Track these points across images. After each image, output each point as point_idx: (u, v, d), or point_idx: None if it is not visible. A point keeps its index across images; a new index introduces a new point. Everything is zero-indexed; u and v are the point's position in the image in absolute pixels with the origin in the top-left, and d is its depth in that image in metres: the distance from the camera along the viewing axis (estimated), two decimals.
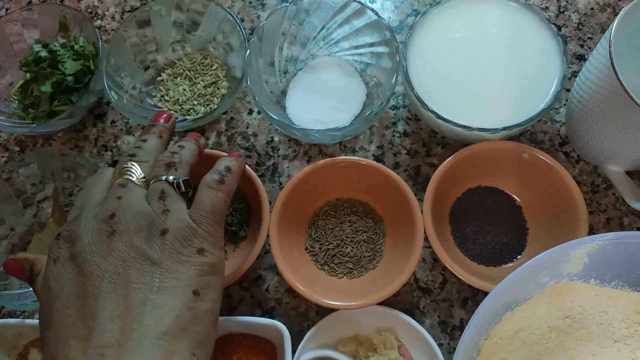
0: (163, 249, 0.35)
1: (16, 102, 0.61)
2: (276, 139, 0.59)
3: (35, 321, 0.52)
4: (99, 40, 0.58)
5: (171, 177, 0.38)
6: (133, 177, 0.38)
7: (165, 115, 0.45)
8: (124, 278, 0.33)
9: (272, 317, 0.52)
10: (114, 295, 0.33)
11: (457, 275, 0.46)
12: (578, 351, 0.41)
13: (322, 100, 0.57)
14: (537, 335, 0.42)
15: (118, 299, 0.33)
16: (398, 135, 0.58)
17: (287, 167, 0.58)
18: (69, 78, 0.58)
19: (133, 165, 0.39)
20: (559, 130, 0.56)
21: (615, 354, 0.41)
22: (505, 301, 0.42)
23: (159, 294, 0.33)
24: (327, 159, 0.51)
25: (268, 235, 0.49)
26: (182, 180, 0.38)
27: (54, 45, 0.60)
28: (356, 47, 0.59)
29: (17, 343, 0.54)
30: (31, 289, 0.53)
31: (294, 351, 0.47)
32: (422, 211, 0.48)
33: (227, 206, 0.40)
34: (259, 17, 0.65)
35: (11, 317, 0.55)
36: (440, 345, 0.47)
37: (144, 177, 0.39)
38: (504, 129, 0.48)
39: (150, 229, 0.35)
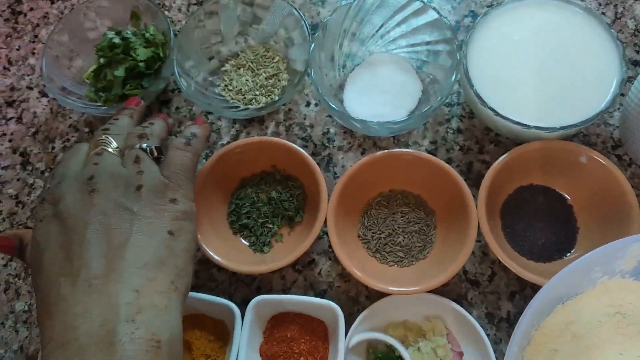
0: (139, 200, 0.40)
1: (88, 85, 0.65)
2: (332, 130, 0.61)
3: None
4: (170, 29, 0.61)
5: (144, 145, 0.44)
6: (108, 147, 0.43)
7: (135, 100, 0.51)
8: (106, 226, 0.38)
9: None
10: (97, 240, 0.38)
11: (508, 267, 0.48)
12: (628, 346, 0.43)
13: (379, 96, 0.59)
14: (586, 329, 0.44)
15: (101, 243, 0.38)
16: (451, 131, 0.59)
17: (342, 158, 0.60)
18: (141, 64, 0.61)
19: (107, 137, 0.44)
20: (611, 134, 0.57)
21: None
22: (558, 294, 0.44)
23: (137, 235, 0.39)
24: (386, 151, 0.53)
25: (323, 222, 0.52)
26: (155, 147, 0.44)
27: (126, 32, 0.64)
28: (413, 45, 0.61)
29: None
30: None
31: (345, 332, 0.50)
32: (476, 205, 0.50)
33: (194, 165, 0.46)
34: (319, 13, 0.68)
35: None
36: (487, 335, 0.49)
37: (118, 147, 0.44)
38: (561, 128, 0.49)
39: (127, 186, 0.40)
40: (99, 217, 0.38)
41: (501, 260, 0.48)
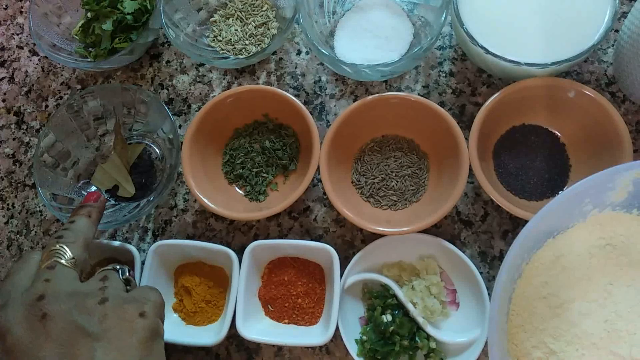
0: (103, 320, 0.34)
1: (77, 41, 0.65)
2: (324, 78, 0.61)
3: (104, 241, 0.57)
4: None
5: (118, 267, 0.40)
6: (62, 259, 0.38)
7: (94, 195, 0.46)
8: (65, 358, 0.32)
9: None
10: None
11: (499, 204, 0.48)
12: (618, 276, 0.43)
13: (370, 40, 0.59)
14: (577, 261, 0.44)
15: None
16: (444, 75, 0.59)
17: (334, 105, 0.60)
18: (129, 17, 0.61)
19: (62, 247, 0.38)
20: (605, 71, 0.56)
21: None
22: (548, 228, 0.44)
23: None
24: (376, 95, 0.53)
25: (317, 169, 0.52)
26: (129, 271, 0.40)
27: None
28: None
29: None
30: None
31: (341, 274, 0.51)
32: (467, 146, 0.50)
33: None
34: None
35: None
36: (480, 273, 0.50)
37: (73, 259, 0.38)
38: (553, 64, 0.49)
39: (85, 304, 0.34)
40: (55, 350, 0.32)
41: (492, 198, 0.48)
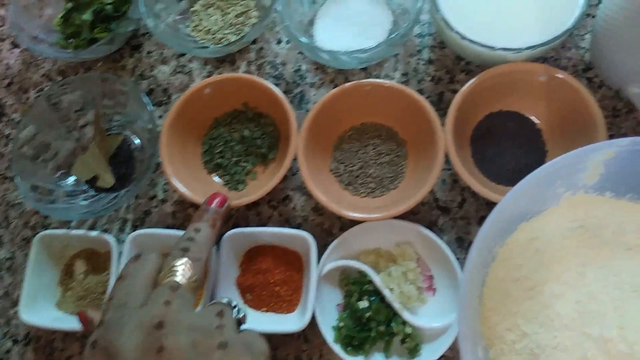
0: None
1: (58, 32, 0.65)
2: (304, 67, 0.61)
3: (81, 231, 0.57)
4: None
5: (234, 303, 0.36)
6: (183, 278, 0.34)
7: (219, 198, 0.41)
8: None
9: None
10: None
11: (475, 190, 0.48)
12: (590, 258, 0.43)
13: (349, 28, 0.59)
14: (550, 243, 0.44)
15: None
16: (423, 62, 0.59)
17: (314, 94, 0.60)
18: (108, 7, 0.61)
19: (186, 263, 0.35)
20: (582, 57, 0.56)
21: (627, 260, 0.43)
22: (521, 211, 0.44)
23: None
24: (354, 82, 0.53)
25: (295, 158, 0.52)
26: (244, 313, 0.37)
27: None
28: None
29: (64, 254, 0.58)
30: (77, 202, 0.57)
31: (319, 262, 0.51)
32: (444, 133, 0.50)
33: None
34: None
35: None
36: (457, 259, 0.50)
37: (195, 282, 0.35)
38: (528, 48, 0.49)
39: (206, 344, 0.31)
40: None
41: (469, 184, 0.48)
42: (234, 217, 0.57)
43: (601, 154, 0.41)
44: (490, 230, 0.41)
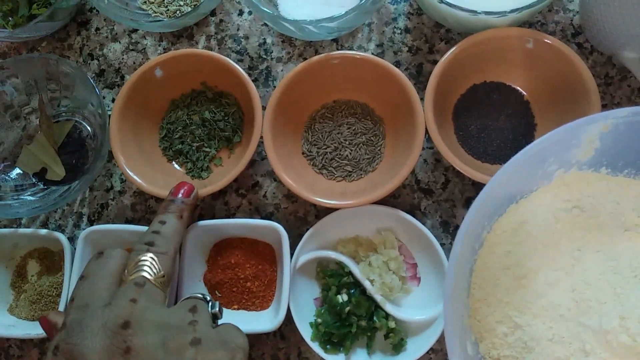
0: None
1: None
2: (269, 40, 0.56)
3: (29, 230, 0.52)
4: None
5: (209, 297, 0.34)
6: (150, 274, 0.33)
7: (185, 187, 0.40)
8: None
9: None
10: None
11: (459, 169, 0.44)
12: (586, 241, 0.40)
13: None
14: (542, 226, 0.41)
15: None
16: (399, 31, 0.54)
17: (282, 70, 0.55)
18: None
19: (152, 258, 0.33)
20: (571, 20, 0.52)
21: (625, 242, 0.39)
22: (510, 192, 0.40)
23: None
24: (322, 55, 0.48)
25: (262, 141, 0.47)
26: (219, 305, 0.35)
27: None
28: None
29: (15, 254, 0.53)
30: (24, 197, 0.52)
31: (293, 253, 0.46)
32: (423, 108, 0.46)
33: None
34: None
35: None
36: (442, 245, 0.46)
37: (164, 276, 0.33)
38: (512, 11, 0.44)
39: (176, 341, 0.30)
40: None
41: (451, 163, 0.44)
42: (198, 208, 0.53)
43: (597, 127, 0.37)
44: (477, 214, 0.37)
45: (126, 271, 0.33)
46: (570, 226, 0.40)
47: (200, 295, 0.34)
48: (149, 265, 0.33)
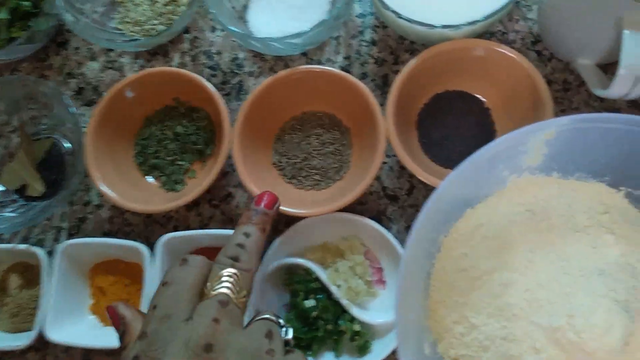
0: None
1: None
2: (241, 55, 0.58)
3: (9, 245, 0.53)
4: None
5: (282, 321, 0.33)
6: (233, 291, 0.31)
7: (267, 197, 0.36)
8: None
9: None
10: None
11: (421, 178, 0.46)
12: (538, 242, 0.41)
13: (284, 11, 0.55)
14: (497, 229, 0.42)
15: None
16: (365, 44, 0.56)
17: (253, 84, 0.57)
18: (26, 3, 0.56)
19: (236, 275, 0.31)
20: (531, 29, 0.54)
21: (576, 243, 0.41)
22: (465, 196, 0.42)
23: None
24: (287, 70, 0.50)
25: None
26: (291, 337, 0.33)
27: None
28: None
29: None
30: (5, 214, 0.53)
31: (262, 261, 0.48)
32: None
33: None
34: None
35: None
36: None
37: (246, 296, 0.31)
38: (468, 24, 0.46)
39: None
40: None
41: (411, 170, 0.46)
42: (173, 219, 0.54)
43: (541, 135, 0.38)
44: (427, 219, 0.38)
45: (209, 284, 0.31)
46: (524, 229, 0.42)
47: (274, 319, 0.32)
48: (233, 282, 0.31)
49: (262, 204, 0.36)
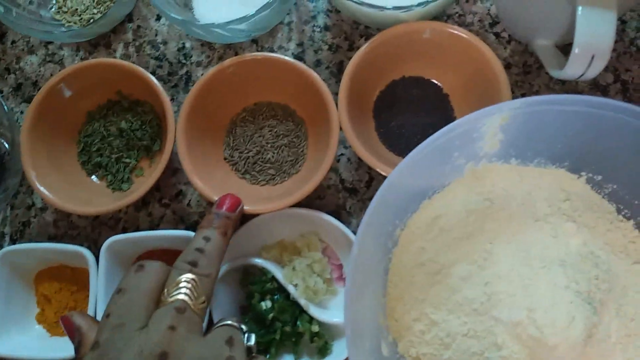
0: None
1: None
2: (188, 44, 0.54)
3: None
4: None
5: (244, 327, 0.32)
6: (191, 297, 0.30)
7: (229, 200, 0.36)
8: None
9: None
10: None
11: (377, 169, 0.44)
12: (498, 233, 0.39)
13: None
14: (455, 220, 0.40)
15: None
16: (318, 29, 0.53)
17: (202, 74, 0.53)
18: None
19: (194, 280, 0.30)
20: (489, 10, 0.52)
21: (536, 233, 0.39)
22: (420, 187, 0.40)
23: None
24: (231, 58, 0.47)
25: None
26: (254, 343, 0.32)
27: None
28: None
29: None
30: None
31: None
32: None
33: None
34: None
35: None
36: None
37: (204, 302, 0.30)
38: (419, 4, 0.43)
39: None
40: None
41: (367, 162, 0.44)
42: (122, 221, 0.51)
43: (495, 119, 0.36)
44: (378, 212, 0.36)
45: (166, 291, 0.30)
46: (482, 219, 0.40)
47: (237, 325, 0.32)
48: (191, 288, 0.30)
49: (224, 207, 0.36)
